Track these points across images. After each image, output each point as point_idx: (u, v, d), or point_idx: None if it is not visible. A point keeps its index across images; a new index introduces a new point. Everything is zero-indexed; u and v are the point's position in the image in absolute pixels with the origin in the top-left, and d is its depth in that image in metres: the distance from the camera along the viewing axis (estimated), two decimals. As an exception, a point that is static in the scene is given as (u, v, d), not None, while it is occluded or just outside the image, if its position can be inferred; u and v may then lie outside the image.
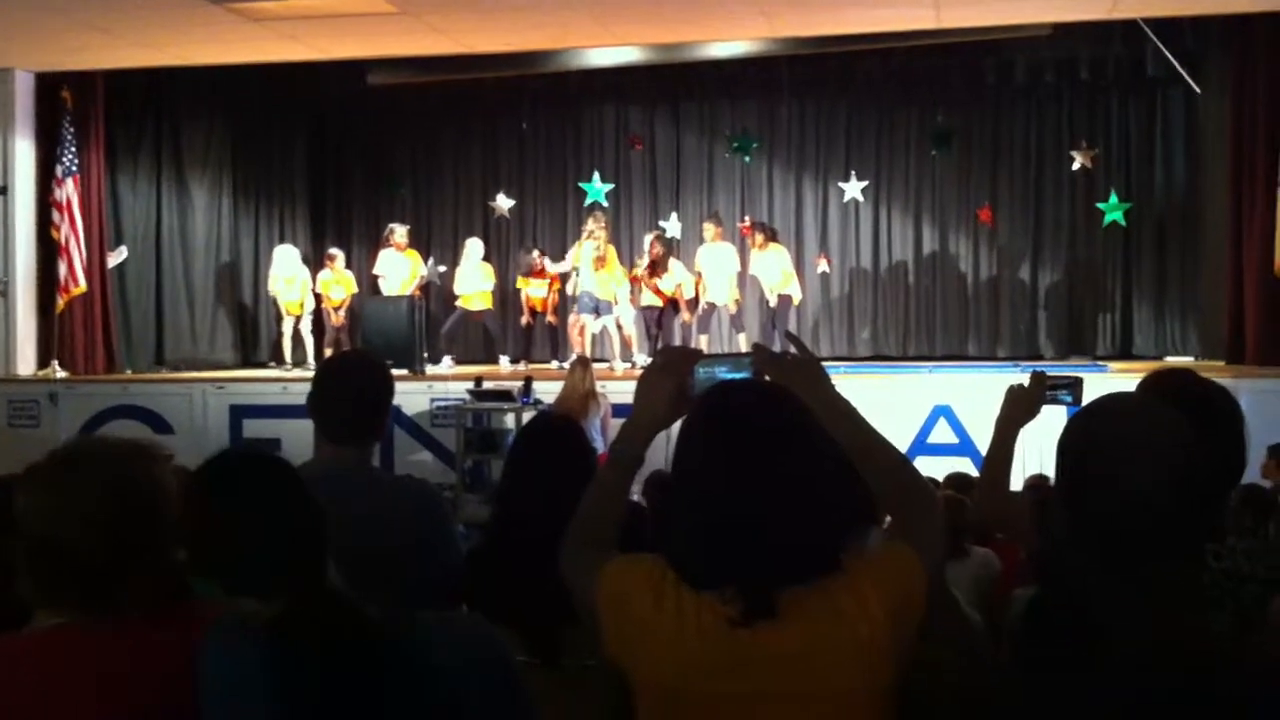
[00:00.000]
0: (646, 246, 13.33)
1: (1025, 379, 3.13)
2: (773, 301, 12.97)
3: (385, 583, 2.23)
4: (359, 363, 3.55)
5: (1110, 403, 1.92)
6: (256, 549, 2.10)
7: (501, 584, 2.77)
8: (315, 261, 15.06)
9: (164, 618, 2.05)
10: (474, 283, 13.69)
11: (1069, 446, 1.88)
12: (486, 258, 14.25)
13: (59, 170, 12.36)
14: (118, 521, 2.00)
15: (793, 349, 2.27)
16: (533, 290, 13.70)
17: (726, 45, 12.78)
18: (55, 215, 12.34)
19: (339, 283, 13.66)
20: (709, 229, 13.22)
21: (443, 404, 11.07)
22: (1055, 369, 12.28)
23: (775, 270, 12.93)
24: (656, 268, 13.13)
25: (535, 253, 13.78)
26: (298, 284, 13.51)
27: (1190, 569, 1.85)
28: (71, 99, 12.44)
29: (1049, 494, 3.32)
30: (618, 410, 9.75)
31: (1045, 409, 3.02)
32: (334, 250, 14.15)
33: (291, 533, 2.11)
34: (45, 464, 2.07)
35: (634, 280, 13.18)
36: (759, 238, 13.22)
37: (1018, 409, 3.02)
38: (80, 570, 1.99)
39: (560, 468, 2.81)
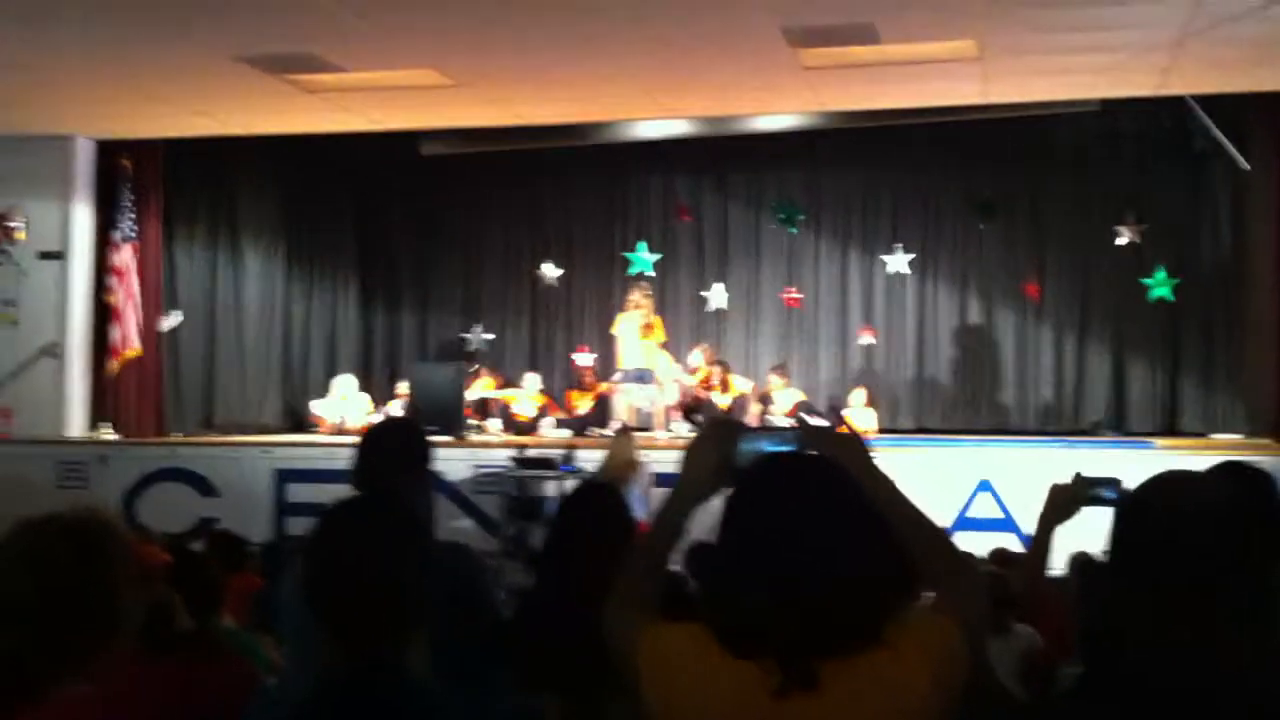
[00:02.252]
0: (698, 362, 13.63)
1: (1068, 455, 3.21)
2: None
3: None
4: (397, 425, 3.63)
5: (1168, 475, 1.97)
6: (333, 604, 2.04)
7: (543, 648, 2.79)
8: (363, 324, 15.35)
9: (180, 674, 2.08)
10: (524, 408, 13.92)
11: (1126, 513, 1.92)
12: (534, 325, 14.49)
13: (117, 236, 12.59)
14: (60, 602, 2.03)
15: (834, 423, 2.31)
16: (578, 402, 14.00)
17: (772, 118, 12.91)
18: (111, 280, 12.56)
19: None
20: (775, 378, 13.59)
21: (486, 470, 11.10)
22: (1101, 445, 12.18)
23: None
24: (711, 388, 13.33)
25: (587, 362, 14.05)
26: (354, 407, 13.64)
27: (1245, 630, 1.88)
28: (132, 166, 12.70)
29: (1094, 569, 3.36)
30: (660, 480, 9.75)
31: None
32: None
33: (373, 597, 2.02)
34: None
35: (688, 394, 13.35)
36: (778, 380, 13.54)
37: (1058, 507, 3.10)
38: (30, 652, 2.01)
39: (601, 534, 2.84)
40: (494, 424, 13.54)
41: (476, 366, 14.51)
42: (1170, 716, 1.78)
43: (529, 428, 13.51)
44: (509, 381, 14.46)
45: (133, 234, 12.67)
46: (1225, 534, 1.86)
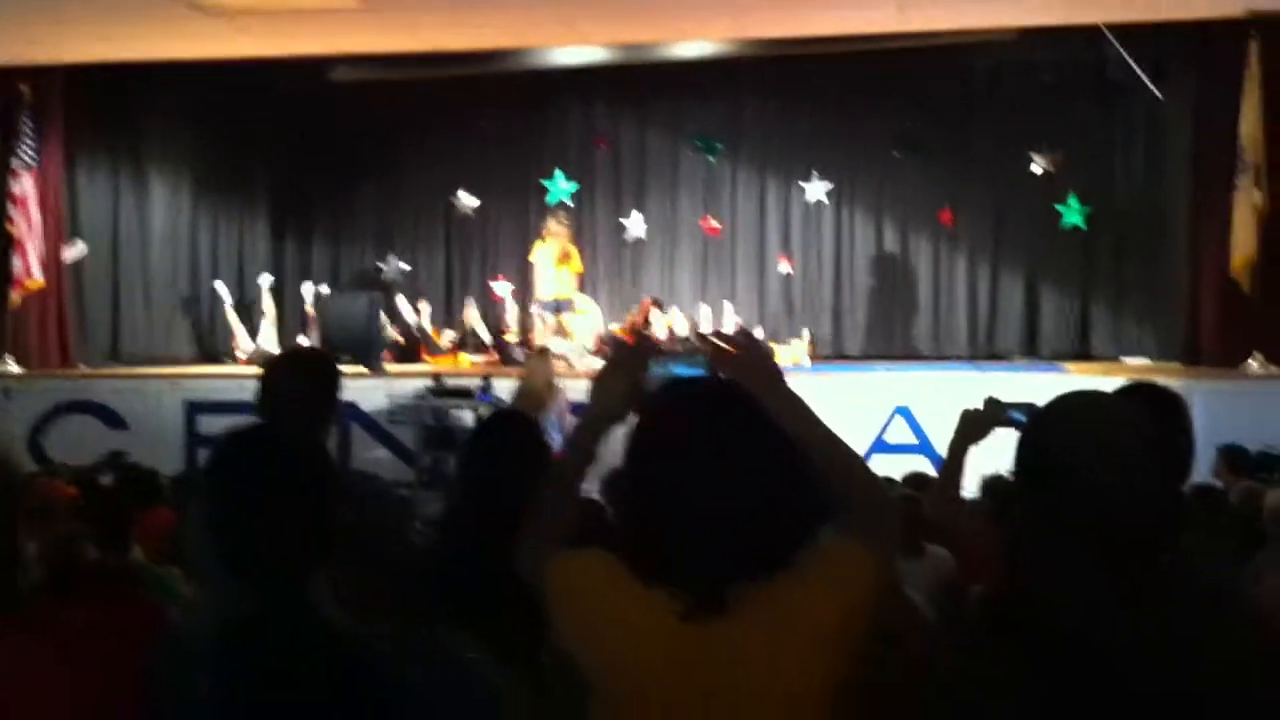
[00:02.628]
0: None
1: (982, 379, 3.23)
2: None
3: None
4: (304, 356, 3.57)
5: (1075, 400, 1.93)
6: (232, 539, 1.99)
7: (457, 578, 2.75)
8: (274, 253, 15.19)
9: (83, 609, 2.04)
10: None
11: (1034, 441, 1.89)
12: (449, 257, 14.39)
13: (16, 164, 12.22)
14: None
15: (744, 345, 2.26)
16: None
17: (692, 45, 12.80)
18: (11, 209, 12.21)
19: None
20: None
21: (401, 401, 11.01)
22: (1013, 370, 12.37)
23: None
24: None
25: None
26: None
27: (1160, 564, 1.86)
28: (30, 92, 12.32)
29: (1007, 491, 3.38)
30: (576, 408, 9.73)
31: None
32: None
33: (273, 529, 1.98)
34: None
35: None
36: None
37: (970, 431, 3.12)
38: None
39: (514, 463, 2.80)
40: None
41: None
42: (1067, 648, 1.76)
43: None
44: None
45: (33, 162, 12.31)
46: (1130, 456, 1.84)
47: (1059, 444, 1.86)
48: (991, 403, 3.06)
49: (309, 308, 14.07)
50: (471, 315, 14.08)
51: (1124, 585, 1.78)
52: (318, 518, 2.00)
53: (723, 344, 2.10)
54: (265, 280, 14.35)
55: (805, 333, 13.86)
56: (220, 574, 2.00)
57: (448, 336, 14.11)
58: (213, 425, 10.77)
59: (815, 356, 13.57)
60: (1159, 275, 13.57)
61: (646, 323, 13.45)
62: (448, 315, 15.21)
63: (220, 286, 14.23)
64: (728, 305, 14.12)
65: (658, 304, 13.90)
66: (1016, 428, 2.94)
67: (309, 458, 2.06)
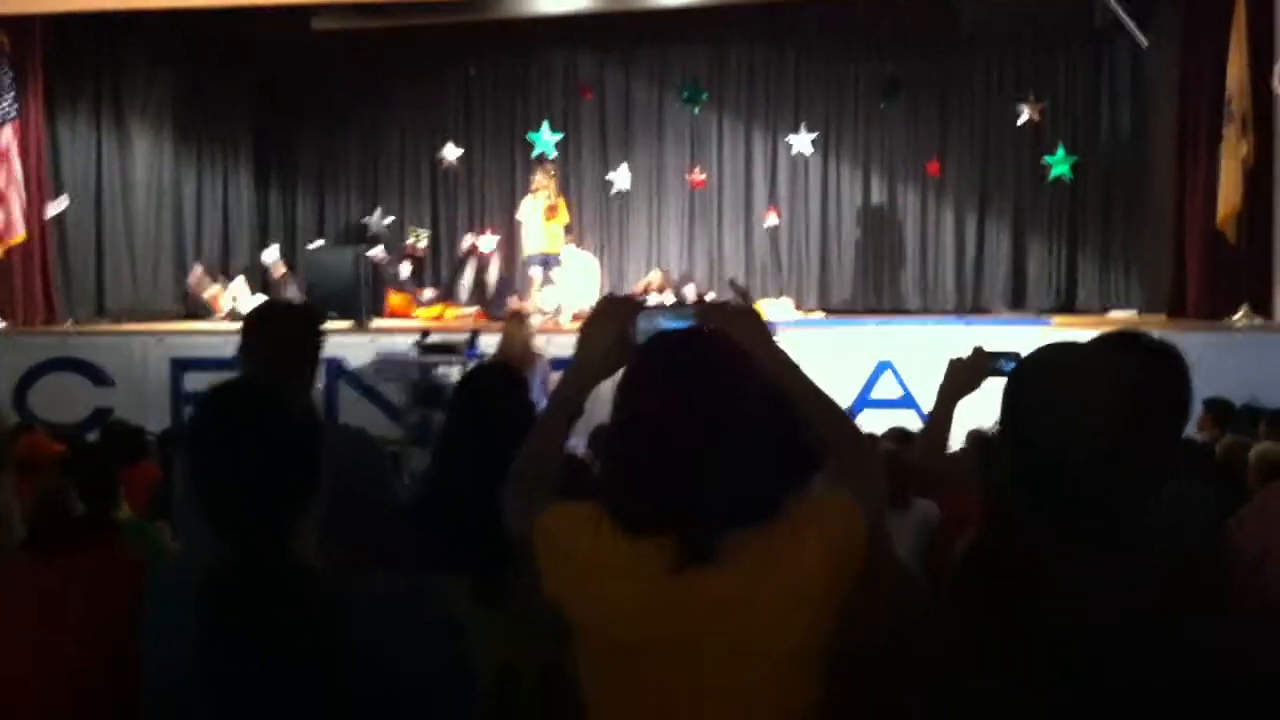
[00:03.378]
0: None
1: (968, 333, 3.20)
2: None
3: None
4: (283, 309, 3.56)
5: (1057, 350, 1.91)
6: (213, 492, 2.00)
7: (443, 531, 2.76)
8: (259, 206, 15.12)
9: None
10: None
11: (1015, 391, 1.87)
12: (436, 208, 14.39)
13: (-5, 116, 12.12)
14: None
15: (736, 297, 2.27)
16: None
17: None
18: (-8, 162, 12.12)
19: None
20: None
21: (388, 357, 10.98)
22: (999, 323, 12.37)
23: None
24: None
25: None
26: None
27: (1138, 516, 1.84)
28: (9, 43, 12.18)
29: (989, 445, 3.36)
30: (557, 364, 9.70)
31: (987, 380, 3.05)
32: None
33: (252, 482, 1.97)
34: None
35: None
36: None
37: (958, 381, 3.06)
38: None
39: (499, 416, 2.80)
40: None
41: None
42: (1047, 613, 1.76)
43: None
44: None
45: (13, 114, 12.19)
46: (1115, 408, 1.82)
47: (1031, 397, 1.84)
48: (978, 352, 3.04)
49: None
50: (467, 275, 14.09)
51: (1096, 552, 1.76)
52: (299, 469, 2.00)
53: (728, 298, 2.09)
54: (273, 252, 14.31)
55: (787, 297, 13.91)
56: (202, 526, 2.01)
57: (430, 292, 14.10)
58: (198, 382, 10.73)
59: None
60: (1145, 226, 13.58)
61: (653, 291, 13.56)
62: (434, 270, 15.19)
63: (269, 254, 14.28)
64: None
65: (666, 280, 13.97)
66: (1005, 375, 2.93)
67: (290, 409, 2.06)
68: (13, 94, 12.18)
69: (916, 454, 5.45)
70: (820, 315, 13.97)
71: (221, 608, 1.90)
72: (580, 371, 2.23)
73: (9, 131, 12.14)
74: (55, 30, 12.48)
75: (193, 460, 2.03)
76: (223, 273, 14.31)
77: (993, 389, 2.75)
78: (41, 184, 12.59)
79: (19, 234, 12.17)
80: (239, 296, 13.29)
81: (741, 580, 1.91)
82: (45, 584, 2.10)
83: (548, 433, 2.26)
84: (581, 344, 2.24)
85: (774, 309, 13.02)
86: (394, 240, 15.22)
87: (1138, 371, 1.97)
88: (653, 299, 13.27)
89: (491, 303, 13.63)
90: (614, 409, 2.02)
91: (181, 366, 11.09)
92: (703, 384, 1.96)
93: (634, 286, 14.07)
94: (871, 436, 6.36)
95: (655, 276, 14.06)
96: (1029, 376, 1.87)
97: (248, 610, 1.89)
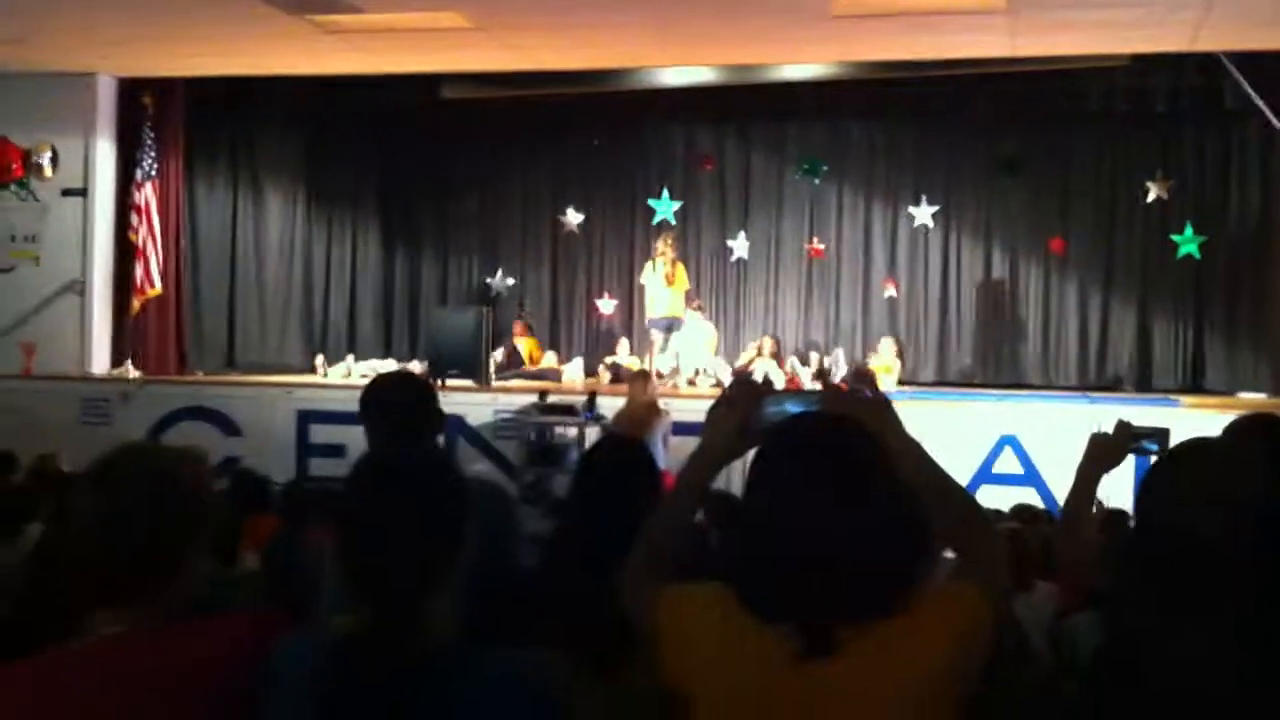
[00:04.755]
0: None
1: (1092, 411, 3.14)
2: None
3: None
4: (399, 380, 3.66)
5: (1189, 448, 1.90)
6: (362, 561, 2.02)
7: (562, 605, 2.78)
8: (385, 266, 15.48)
9: (211, 624, 2.07)
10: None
11: (1146, 494, 1.86)
12: (555, 272, 14.64)
13: (138, 174, 12.62)
14: (160, 524, 2.02)
15: (861, 386, 2.29)
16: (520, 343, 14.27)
17: (798, 68, 12.79)
18: (134, 218, 12.59)
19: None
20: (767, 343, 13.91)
21: (506, 416, 11.12)
22: (1125, 402, 12.10)
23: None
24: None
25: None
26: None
27: (1263, 619, 1.81)
28: (153, 104, 12.69)
29: (1120, 532, 3.30)
30: (678, 428, 9.74)
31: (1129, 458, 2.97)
32: None
33: (403, 553, 1.99)
34: (93, 467, 2.09)
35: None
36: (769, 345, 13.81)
37: (1100, 457, 2.97)
38: (123, 572, 2.01)
39: (626, 492, 2.82)
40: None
41: (514, 322, 14.57)
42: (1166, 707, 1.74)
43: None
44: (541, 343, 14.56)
45: (153, 172, 12.68)
46: (1238, 513, 1.79)
47: (1168, 499, 1.82)
48: (1122, 426, 2.96)
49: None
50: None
51: (1224, 648, 1.75)
52: (448, 539, 2.04)
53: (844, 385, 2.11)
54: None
55: (887, 342, 13.78)
56: (342, 592, 2.04)
57: (550, 358, 14.28)
58: (325, 434, 10.98)
59: (901, 357, 13.57)
60: (1273, 307, 13.25)
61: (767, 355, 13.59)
62: (553, 332, 15.35)
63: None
64: (839, 352, 14.06)
65: (777, 347, 13.98)
66: (1146, 455, 2.86)
67: (450, 485, 2.10)
68: (154, 153, 12.68)
69: (1037, 533, 5.37)
70: (940, 388, 13.84)
71: (342, 676, 1.93)
72: (705, 456, 2.24)
73: (149, 189, 12.63)
74: (195, 92, 12.96)
75: (342, 523, 2.06)
76: (349, 345, 14.62)
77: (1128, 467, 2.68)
78: (179, 240, 13.04)
79: (156, 288, 12.61)
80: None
81: (865, 672, 1.90)
82: (173, 647, 2.11)
83: (671, 515, 2.27)
84: (708, 428, 2.25)
85: (877, 360, 13.10)
86: (511, 300, 15.51)
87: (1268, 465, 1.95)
88: (759, 366, 13.29)
89: (613, 367, 13.78)
90: (744, 493, 2.04)
91: (307, 419, 11.34)
92: (832, 471, 1.97)
93: (745, 351, 14.07)
94: (996, 513, 6.27)
95: (766, 342, 14.04)
96: (1162, 474, 1.86)
97: (372, 680, 1.92)
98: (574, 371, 13.77)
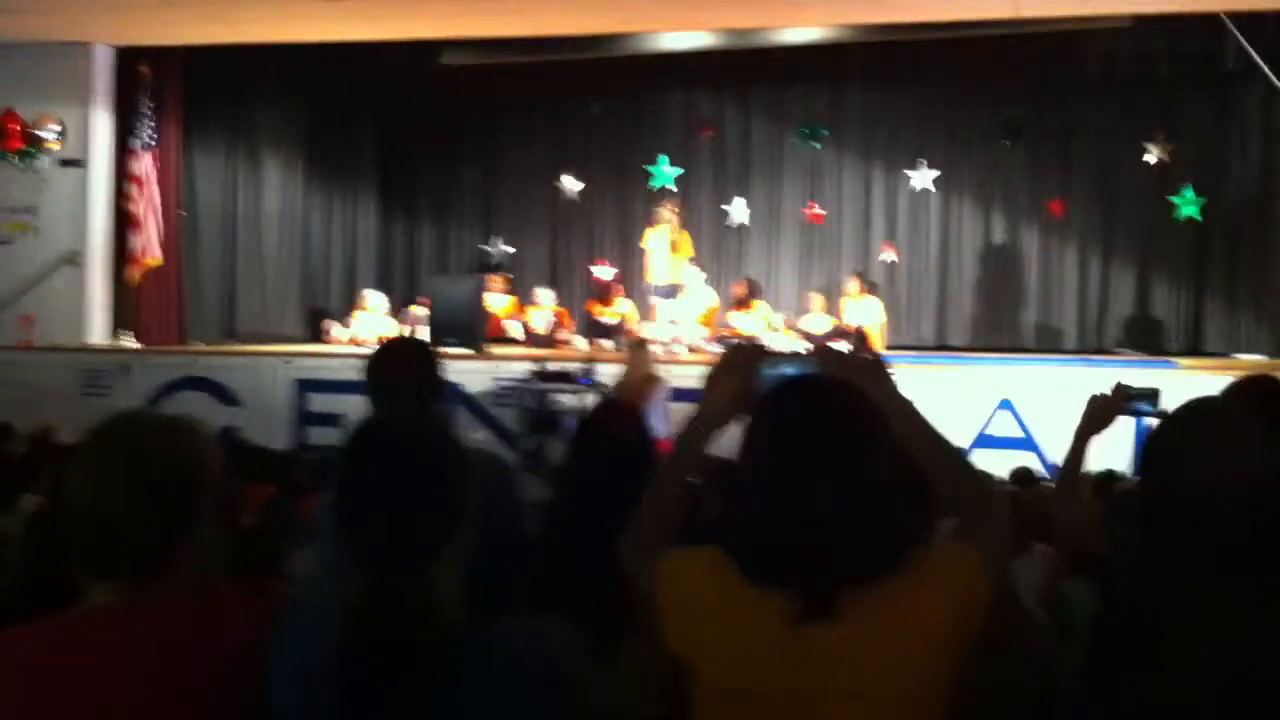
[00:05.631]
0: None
1: (1090, 373, 3.13)
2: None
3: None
4: (403, 346, 3.65)
5: (1199, 413, 1.90)
6: (359, 524, 2.00)
7: (562, 573, 2.78)
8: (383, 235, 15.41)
9: (210, 595, 2.06)
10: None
11: (1157, 458, 1.86)
12: (554, 238, 14.50)
13: (136, 144, 12.55)
14: (156, 494, 1.99)
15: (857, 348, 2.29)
16: (601, 312, 14.06)
17: (798, 31, 12.71)
18: (132, 188, 12.54)
19: None
20: (852, 284, 13.50)
21: (505, 384, 11.12)
22: (1124, 365, 12.11)
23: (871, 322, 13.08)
24: (740, 305, 13.48)
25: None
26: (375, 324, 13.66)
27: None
28: (150, 73, 12.62)
29: (1119, 496, 3.29)
30: (677, 394, 9.73)
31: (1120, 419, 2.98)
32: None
33: (400, 516, 1.97)
34: (86, 439, 2.07)
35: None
36: (855, 286, 13.36)
37: (1094, 417, 2.99)
38: (121, 544, 1.99)
39: (621, 458, 2.82)
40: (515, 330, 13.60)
41: (489, 277, 14.39)
42: (1174, 672, 1.74)
43: (544, 341, 13.52)
44: (524, 300, 14.41)
45: (152, 142, 12.63)
46: (1262, 461, 1.80)
47: (1186, 466, 1.82)
48: (1120, 389, 2.97)
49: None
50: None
51: (1236, 613, 1.75)
52: (448, 505, 2.02)
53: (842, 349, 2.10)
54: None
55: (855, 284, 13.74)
56: (344, 557, 2.03)
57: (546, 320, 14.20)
58: (323, 403, 10.98)
59: (907, 346, 13.56)
60: (1274, 269, 13.23)
61: (744, 302, 13.51)
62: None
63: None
64: (815, 297, 13.95)
65: (753, 288, 13.83)
66: (1142, 416, 2.87)
67: (443, 445, 2.08)
68: (153, 123, 12.62)
69: (1036, 497, 5.37)
70: (939, 352, 13.83)
71: (351, 639, 1.93)
72: (703, 420, 2.24)
73: (149, 159, 12.58)
74: (193, 61, 12.88)
75: (341, 491, 2.04)
76: (349, 306, 14.56)
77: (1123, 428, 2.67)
78: (177, 211, 12.99)
79: (156, 257, 12.58)
80: (360, 331, 13.55)
81: (864, 634, 1.91)
82: (178, 618, 2.09)
83: (669, 481, 2.27)
84: (706, 392, 2.25)
85: (862, 309, 13.22)
86: (512, 269, 15.47)
87: (1267, 431, 1.95)
88: (739, 320, 13.28)
89: (613, 327, 13.77)
90: (739, 457, 2.03)
91: (306, 388, 11.34)
92: (827, 433, 1.97)
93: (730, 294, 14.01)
94: (991, 478, 6.27)
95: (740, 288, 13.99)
96: (1173, 434, 1.86)
97: (373, 644, 1.90)
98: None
